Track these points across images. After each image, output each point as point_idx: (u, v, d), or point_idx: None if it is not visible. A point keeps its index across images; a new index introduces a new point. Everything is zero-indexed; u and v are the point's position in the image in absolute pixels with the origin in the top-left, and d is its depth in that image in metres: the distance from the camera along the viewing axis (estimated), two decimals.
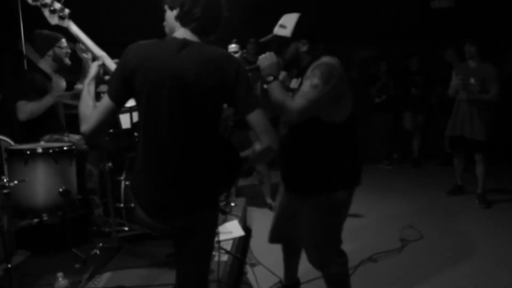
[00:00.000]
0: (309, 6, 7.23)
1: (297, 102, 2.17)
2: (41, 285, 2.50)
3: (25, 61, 4.62)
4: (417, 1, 7.25)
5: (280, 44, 2.34)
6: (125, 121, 3.29)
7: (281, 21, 2.35)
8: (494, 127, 5.00)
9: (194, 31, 1.71)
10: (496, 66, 4.97)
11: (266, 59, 2.25)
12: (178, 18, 1.72)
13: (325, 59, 2.26)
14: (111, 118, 1.72)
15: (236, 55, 4.53)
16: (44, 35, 3.36)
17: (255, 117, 1.67)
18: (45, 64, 3.41)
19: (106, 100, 1.69)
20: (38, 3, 1.94)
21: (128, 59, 1.67)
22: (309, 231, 2.44)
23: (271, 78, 2.22)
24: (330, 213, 2.37)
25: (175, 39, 1.70)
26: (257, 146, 1.70)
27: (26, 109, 3.19)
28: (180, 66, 1.62)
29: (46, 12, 1.95)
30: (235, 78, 1.65)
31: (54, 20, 1.96)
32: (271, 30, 2.38)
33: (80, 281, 2.51)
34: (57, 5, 1.94)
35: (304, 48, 2.30)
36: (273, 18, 2.40)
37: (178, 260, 1.81)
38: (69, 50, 3.39)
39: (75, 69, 3.37)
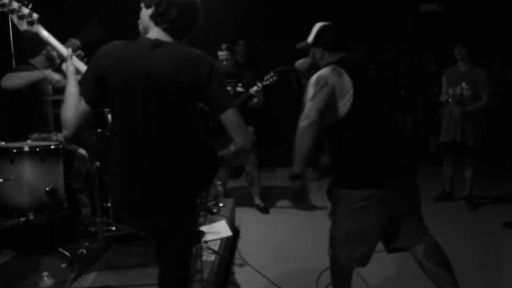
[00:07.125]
0: (297, 9, 7.32)
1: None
2: (27, 285, 2.48)
3: (13, 60, 4.60)
4: (406, 5, 7.33)
5: (305, 49, 2.52)
6: None
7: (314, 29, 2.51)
8: (485, 131, 5.02)
9: (167, 31, 1.70)
10: (484, 69, 5.01)
11: (300, 62, 2.58)
12: (152, 17, 1.70)
13: (322, 70, 2.34)
14: (89, 120, 1.70)
15: (227, 62, 4.58)
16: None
17: (228, 117, 1.68)
18: (37, 62, 3.43)
19: (82, 104, 1.67)
20: (6, 9, 1.86)
21: (99, 60, 1.66)
22: None
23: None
24: None
25: (148, 39, 1.69)
26: (232, 147, 1.71)
27: (14, 76, 3.15)
28: (153, 66, 1.62)
29: (14, 18, 1.88)
30: (208, 77, 1.65)
31: (23, 26, 1.89)
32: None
33: (66, 281, 2.49)
34: (25, 11, 1.88)
35: (318, 56, 2.45)
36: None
37: (159, 258, 1.83)
38: None
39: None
